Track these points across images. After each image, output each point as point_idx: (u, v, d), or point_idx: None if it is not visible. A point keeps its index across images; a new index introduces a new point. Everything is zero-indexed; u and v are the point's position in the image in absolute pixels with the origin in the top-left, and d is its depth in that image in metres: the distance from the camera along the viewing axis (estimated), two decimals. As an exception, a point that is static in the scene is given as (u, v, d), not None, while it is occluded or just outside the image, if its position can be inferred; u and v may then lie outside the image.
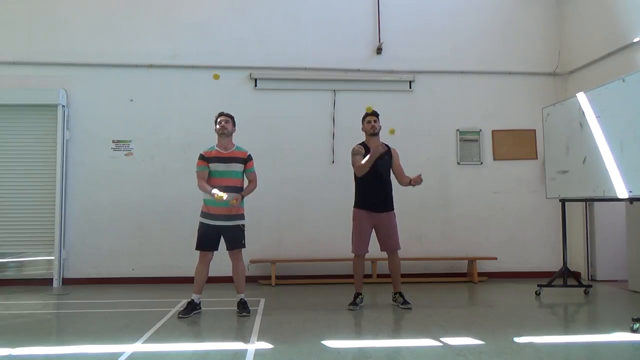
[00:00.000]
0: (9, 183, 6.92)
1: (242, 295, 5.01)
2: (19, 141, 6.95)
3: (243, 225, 5.01)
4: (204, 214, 4.95)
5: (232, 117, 5.13)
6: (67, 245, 6.90)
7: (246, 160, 5.05)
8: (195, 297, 4.99)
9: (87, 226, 6.96)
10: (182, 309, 4.95)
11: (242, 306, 4.95)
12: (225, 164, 4.94)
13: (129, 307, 5.42)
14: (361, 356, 3.64)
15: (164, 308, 5.18)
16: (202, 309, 5.03)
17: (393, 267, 5.33)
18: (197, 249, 4.95)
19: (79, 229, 6.95)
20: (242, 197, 4.92)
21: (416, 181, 5.09)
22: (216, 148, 5.03)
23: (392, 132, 6.44)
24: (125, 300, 5.86)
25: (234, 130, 5.13)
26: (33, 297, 6.03)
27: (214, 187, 4.80)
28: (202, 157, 4.99)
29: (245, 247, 5.02)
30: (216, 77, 5.74)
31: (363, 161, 5.10)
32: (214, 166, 4.94)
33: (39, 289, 6.49)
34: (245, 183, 5.11)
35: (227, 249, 4.96)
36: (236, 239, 4.95)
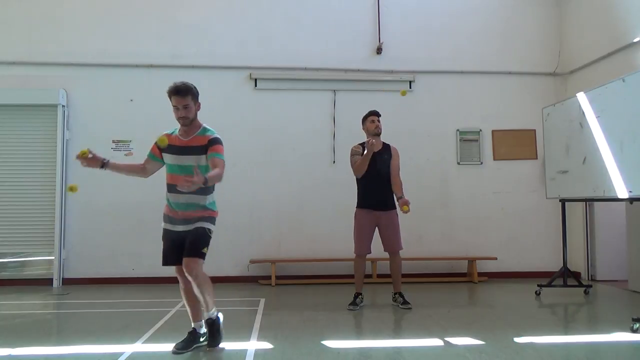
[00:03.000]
0: (9, 183, 6.91)
1: (210, 313, 3.69)
2: (19, 141, 6.95)
3: (209, 230, 3.67)
4: (165, 217, 3.74)
5: (192, 91, 3.67)
6: (67, 245, 6.90)
7: (207, 146, 3.61)
8: (195, 325, 3.83)
9: (87, 226, 6.96)
10: (179, 342, 3.73)
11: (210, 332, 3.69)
12: (177, 156, 3.64)
13: (129, 307, 5.42)
14: (361, 356, 3.64)
15: (164, 308, 5.17)
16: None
17: (394, 267, 5.32)
18: (163, 264, 3.78)
19: (79, 229, 6.95)
20: (205, 182, 3.29)
21: (403, 206, 5.01)
22: (177, 133, 3.72)
23: (404, 93, 6.20)
24: (125, 300, 5.86)
25: (198, 108, 3.75)
26: (33, 297, 6.03)
27: (169, 185, 3.67)
28: (156, 143, 3.69)
29: (203, 258, 3.63)
30: None
31: (362, 159, 5.08)
32: (167, 158, 3.69)
33: (39, 289, 6.49)
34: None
35: (183, 256, 3.59)
36: (194, 243, 3.58)
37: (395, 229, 5.26)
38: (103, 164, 3.56)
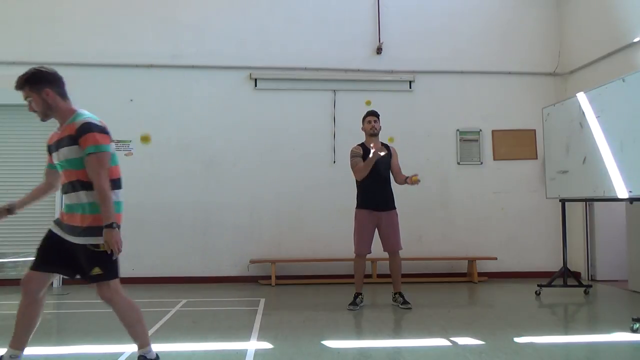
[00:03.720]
0: (9, 183, 6.92)
1: (145, 351, 3.11)
2: (19, 141, 6.95)
3: (94, 246, 2.88)
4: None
5: (28, 82, 2.98)
6: (67, 245, 6.88)
7: (76, 136, 2.90)
8: (8, 353, 3.09)
9: (87, 226, 6.95)
10: None
11: None
12: (54, 154, 3.07)
13: (129, 307, 5.40)
14: (361, 356, 3.64)
15: (164, 308, 5.17)
16: (202, 308, 4.98)
17: (394, 267, 5.33)
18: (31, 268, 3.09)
19: (79, 229, 6.93)
20: (112, 229, 2.81)
21: (412, 181, 5.02)
22: (56, 129, 3.13)
23: (368, 103, 6.19)
24: (125, 300, 5.85)
25: (48, 95, 2.98)
26: (33, 297, 6.02)
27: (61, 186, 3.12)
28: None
29: (110, 278, 2.98)
30: None
31: (365, 164, 5.09)
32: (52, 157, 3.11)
33: (39, 289, 6.48)
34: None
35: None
36: (84, 265, 2.97)
37: (395, 229, 5.27)
38: (9, 210, 3.13)
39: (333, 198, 7.02)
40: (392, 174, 5.37)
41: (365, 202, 5.25)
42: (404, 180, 5.18)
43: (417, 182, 5.03)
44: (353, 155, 5.28)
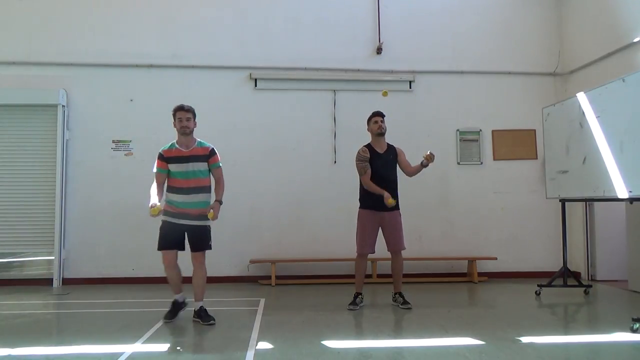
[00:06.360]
0: (9, 183, 6.91)
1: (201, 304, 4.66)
2: (19, 141, 6.95)
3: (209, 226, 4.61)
4: (167, 213, 4.61)
5: (193, 112, 4.68)
6: (67, 245, 6.90)
7: (209, 156, 4.65)
8: (178, 296, 4.73)
9: (87, 226, 6.96)
10: (167, 311, 4.67)
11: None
12: (186, 164, 4.57)
13: (129, 307, 5.42)
14: (361, 356, 3.65)
15: (164, 308, 5.15)
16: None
17: (395, 267, 5.33)
18: (159, 249, 4.63)
19: (79, 229, 6.94)
20: (220, 205, 4.57)
21: (427, 159, 5.01)
22: (177, 146, 4.65)
23: (385, 94, 6.17)
24: (125, 300, 5.87)
25: (195, 125, 4.71)
26: (33, 297, 6.03)
27: (178, 189, 4.56)
28: (161, 157, 4.64)
29: (210, 248, 4.71)
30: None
31: (373, 186, 5.10)
32: (175, 167, 4.58)
33: (39, 289, 6.49)
34: (213, 181, 4.73)
35: (192, 251, 4.66)
36: (201, 240, 4.62)
37: (399, 229, 5.27)
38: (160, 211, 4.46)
39: (333, 198, 7.02)
40: (403, 170, 5.35)
41: (369, 203, 5.24)
42: (419, 167, 5.14)
43: (431, 157, 5.02)
44: (360, 159, 5.24)
